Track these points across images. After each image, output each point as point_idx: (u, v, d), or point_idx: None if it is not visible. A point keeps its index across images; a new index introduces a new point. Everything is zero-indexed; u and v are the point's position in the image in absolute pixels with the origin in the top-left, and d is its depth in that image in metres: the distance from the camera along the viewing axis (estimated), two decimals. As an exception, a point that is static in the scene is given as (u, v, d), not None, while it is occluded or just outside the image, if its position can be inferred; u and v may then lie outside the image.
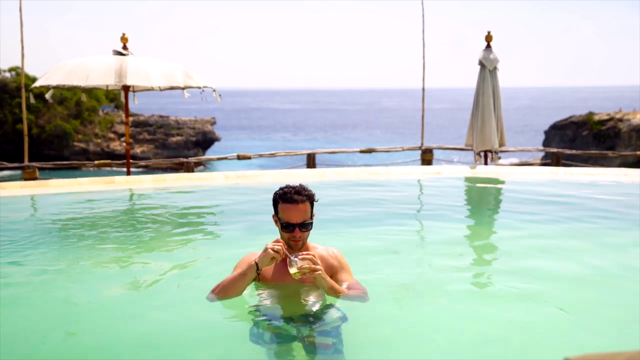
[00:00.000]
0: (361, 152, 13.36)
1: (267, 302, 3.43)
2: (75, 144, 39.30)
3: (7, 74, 39.15)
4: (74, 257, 5.25)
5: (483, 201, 8.87)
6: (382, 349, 3.31)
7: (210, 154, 42.42)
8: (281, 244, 3.28)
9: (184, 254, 5.40)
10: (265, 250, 3.28)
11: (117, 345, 3.41)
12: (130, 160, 10.69)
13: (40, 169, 11.59)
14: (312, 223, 3.44)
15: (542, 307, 3.95)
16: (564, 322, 3.71)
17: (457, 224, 6.77)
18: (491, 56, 10.89)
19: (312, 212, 3.43)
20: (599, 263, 5.01)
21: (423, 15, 13.06)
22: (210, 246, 5.83)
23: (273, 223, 3.57)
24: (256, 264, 3.30)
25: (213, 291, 3.46)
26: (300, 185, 3.49)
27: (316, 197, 3.48)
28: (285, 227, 3.39)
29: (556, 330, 3.59)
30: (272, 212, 3.54)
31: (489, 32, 10.96)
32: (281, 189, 3.49)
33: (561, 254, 5.28)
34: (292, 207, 3.36)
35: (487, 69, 10.85)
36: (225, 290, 3.40)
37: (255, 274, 3.34)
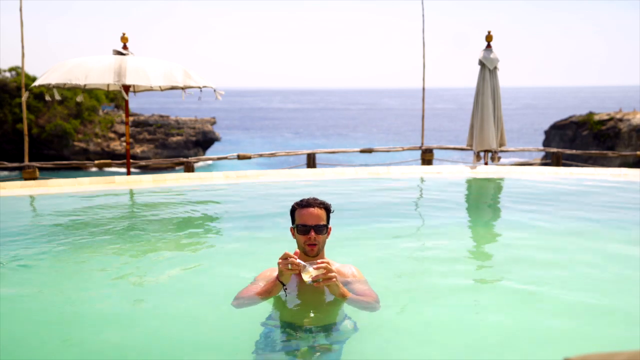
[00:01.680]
0: (361, 151, 13.36)
1: (282, 307, 3.47)
2: (75, 143, 39.31)
3: (7, 74, 39.17)
4: (74, 257, 5.25)
5: (483, 201, 8.87)
6: (382, 350, 3.31)
7: (210, 153, 42.45)
8: (292, 258, 3.26)
9: (185, 253, 5.40)
10: (279, 268, 3.28)
11: (118, 345, 3.40)
12: (130, 160, 10.68)
13: (40, 168, 11.58)
14: (327, 228, 3.51)
15: (542, 307, 3.95)
16: (564, 322, 3.70)
17: (457, 224, 6.77)
18: (491, 56, 10.90)
19: (328, 221, 3.53)
20: (599, 263, 5.01)
21: (423, 15, 13.07)
22: (211, 246, 5.83)
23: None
24: (281, 282, 3.32)
25: (236, 300, 3.49)
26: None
27: (332, 208, 3.58)
28: (301, 229, 3.45)
29: (556, 330, 3.58)
30: (283, 221, 3.59)
31: (489, 32, 10.97)
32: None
33: (561, 254, 5.28)
34: (308, 210, 3.48)
35: (487, 68, 10.85)
36: (250, 304, 3.45)
37: (281, 290, 3.38)
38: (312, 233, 3.44)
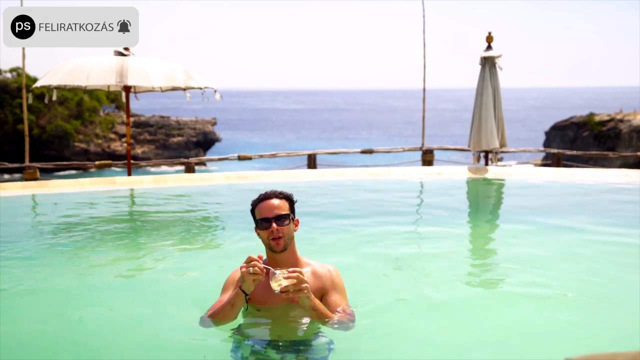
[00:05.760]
0: (362, 152, 13.35)
1: (253, 324, 3.19)
2: (76, 144, 39.31)
3: (8, 75, 39.18)
4: (75, 257, 5.26)
5: (484, 202, 8.87)
6: (382, 349, 3.30)
7: (211, 154, 42.44)
8: (255, 261, 2.94)
9: (185, 254, 5.40)
10: (241, 274, 2.95)
11: (118, 345, 3.41)
12: (131, 161, 10.68)
13: (41, 169, 11.59)
14: (290, 218, 3.17)
15: (542, 307, 3.95)
16: (564, 322, 3.71)
17: (457, 225, 6.77)
18: (492, 55, 10.89)
19: (292, 212, 3.22)
20: (600, 263, 5.02)
21: (424, 15, 13.09)
22: (211, 247, 5.83)
23: None
24: (242, 290, 2.99)
25: (205, 317, 3.20)
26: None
27: (295, 198, 3.28)
28: (262, 224, 3.14)
29: (556, 330, 3.59)
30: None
31: (489, 33, 10.97)
32: None
33: (562, 254, 5.28)
34: (266, 203, 3.18)
35: (488, 67, 10.85)
36: (217, 320, 3.14)
37: (244, 300, 3.04)
38: (274, 224, 3.10)
